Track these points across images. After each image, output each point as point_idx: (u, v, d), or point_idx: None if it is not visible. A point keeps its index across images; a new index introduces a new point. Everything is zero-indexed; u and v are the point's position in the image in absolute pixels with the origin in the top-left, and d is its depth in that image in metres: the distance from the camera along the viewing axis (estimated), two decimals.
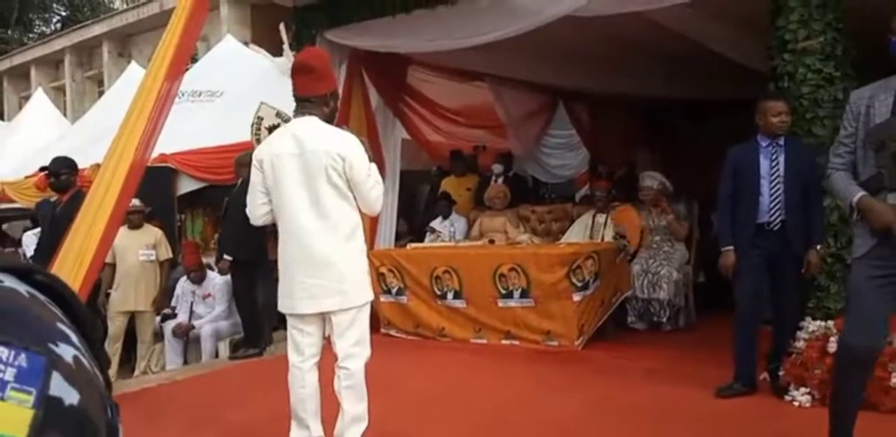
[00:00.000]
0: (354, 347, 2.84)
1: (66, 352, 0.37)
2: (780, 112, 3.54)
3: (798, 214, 3.51)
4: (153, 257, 5.90)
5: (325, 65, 2.98)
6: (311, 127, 2.84)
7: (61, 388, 0.36)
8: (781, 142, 3.59)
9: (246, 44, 8.88)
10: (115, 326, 5.70)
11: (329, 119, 2.92)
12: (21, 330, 0.36)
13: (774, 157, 3.57)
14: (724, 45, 5.01)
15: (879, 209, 2.42)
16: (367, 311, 2.91)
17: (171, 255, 6.10)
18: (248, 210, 2.98)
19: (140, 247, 5.84)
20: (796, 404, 3.37)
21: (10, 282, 0.39)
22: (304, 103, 2.91)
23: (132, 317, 5.88)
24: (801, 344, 3.47)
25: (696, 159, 9.08)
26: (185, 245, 6.58)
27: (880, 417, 3.05)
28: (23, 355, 0.35)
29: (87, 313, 0.43)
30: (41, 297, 0.40)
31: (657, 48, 5.55)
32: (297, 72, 2.94)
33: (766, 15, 3.92)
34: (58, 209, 4.79)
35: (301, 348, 2.88)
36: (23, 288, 0.39)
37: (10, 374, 0.34)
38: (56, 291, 0.41)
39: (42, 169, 4.94)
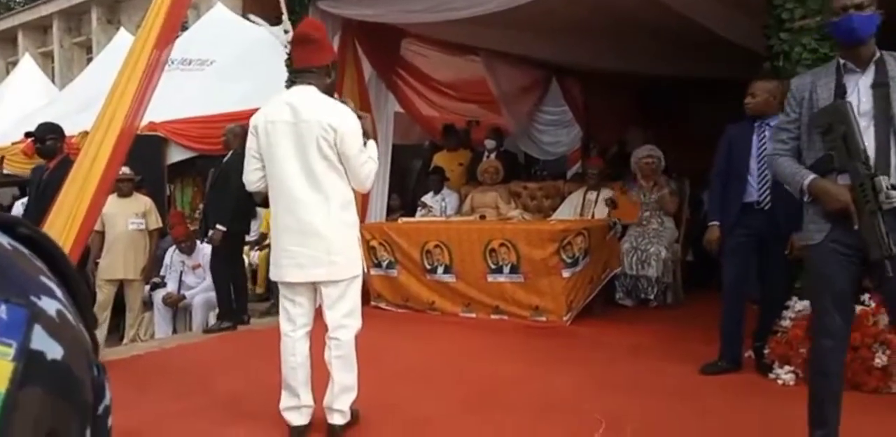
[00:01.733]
0: (345, 318, 2.86)
1: (50, 306, 0.36)
2: (748, 92, 3.58)
3: (786, 195, 3.51)
4: (143, 226, 5.87)
5: (324, 36, 2.97)
6: (309, 97, 2.82)
7: (43, 342, 0.34)
8: (773, 123, 3.58)
9: (245, 16, 8.74)
10: (104, 294, 5.69)
11: (328, 91, 2.91)
12: (1, 282, 0.34)
13: (763, 137, 3.58)
14: (720, 22, 4.97)
15: (835, 191, 2.38)
16: (358, 283, 2.92)
17: (160, 224, 6.08)
18: (243, 176, 2.96)
19: (129, 215, 5.81)
20: (780, 382, 3.42)
21: None
22: (304, 74, 2.89)
23: (121, 285, 5.87)
24: (786, 323, 3.51)
25: (688, 138, 9.13)
26: (171, 215, 6.55)
27: (863, 397, 3.10)
28: (3, 307, 0.34)
29: (72, 270, 0.42)
30: (24, 250, 0.38)
31: (653, 25, 5.51)
32: (297, 43, 2.93)
33: None
34: (44, 175, 4.74)
35: (293, 318, 2.90)
36: (5, 240, 0.38)
37: None
38: (41, 245, 0.40)
39: (27, 135, 4.86)
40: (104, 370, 0.40)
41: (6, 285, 0.35)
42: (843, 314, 2.46)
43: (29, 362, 0.33)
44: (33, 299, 0.35)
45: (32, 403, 0.33)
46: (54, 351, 0.35)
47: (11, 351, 0.33)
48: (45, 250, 0.40)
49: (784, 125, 2.62)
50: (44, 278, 0.38)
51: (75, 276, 0.41)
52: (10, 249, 0.37)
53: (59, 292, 0.38)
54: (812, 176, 2.44)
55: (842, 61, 2.50)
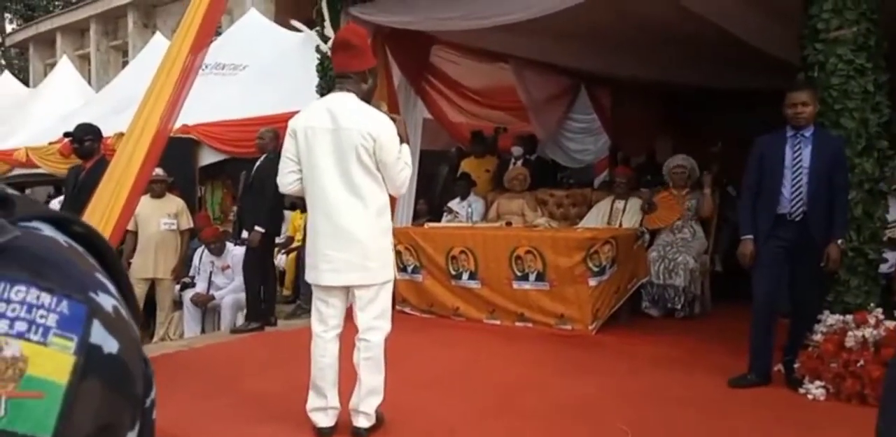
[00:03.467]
0: (376, 320, 2.89)
1: (106, 302, 0.37)
2: (795, 103, 3.51)
3: (820, 206, 3.47)
4: (174, 227, 5.96)
5: (365, 42, 2.99)
6: (347, 104, 2.86)
7: (101, 336, 0.36)
8: (808, 133, 3.55)
9: (278, 22, 8.86)
10: (136, 292, 5.77)
11: (367, 97, 2.94)
12: (62, 278, 0.36)
13: (798, 148, 3.54)
14: (753, 33, 4.93)
15: None
16: (390, 287, 2.96)
17: (192, 224, 6.18)
18: (278, 178, 3.01)
19: (162, 216, 5.90)
20: (810, 397, 3.36)
21: (49, 231, 0.38)
22: (343, 80, 2.93)
23: (152, 284, 5.97)
24: (818, 337, 3.46)
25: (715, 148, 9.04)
26: (198, 218, 6.64)
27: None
28: (64, 303, 0.35)
29: (122, 267, 0.43)
30: (79, 248, 0.40)
31: (684, 34, 5.48)
32: (337, 48, 2.96)
33: (798, 3, 3.86)
34: (81, 176, 4.83)
35: (325, 319, 2.93)
36: (61, 238, 0.39)
37: (52, 320, 0.34)
38: (93, 243, 0.41)
39: (66, 135, 4.96)
40: (150, 364, 0.42)
41: (67, 281, 0.36)
42: None
43: (89, 355, 0.35)
44: (91, 295, 0.36)
45: (92, 395, 0.34)
46: (111, 345, 0.36)
47: (73, 345, 0.34)
48: (98, 247, 0.41)
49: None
50: (99, 275, 0.39)
51: (125, 273, 0.43)
52: (67, 246, 0.38)
53: (112, 289, 0.39)
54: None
55: None
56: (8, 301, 0.33)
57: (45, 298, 0.34)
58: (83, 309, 0.35)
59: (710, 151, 6.43)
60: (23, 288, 0.34)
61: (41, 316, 0.34)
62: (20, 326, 0.33)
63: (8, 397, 0.32)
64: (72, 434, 0.33)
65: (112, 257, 0.42)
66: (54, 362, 0.33)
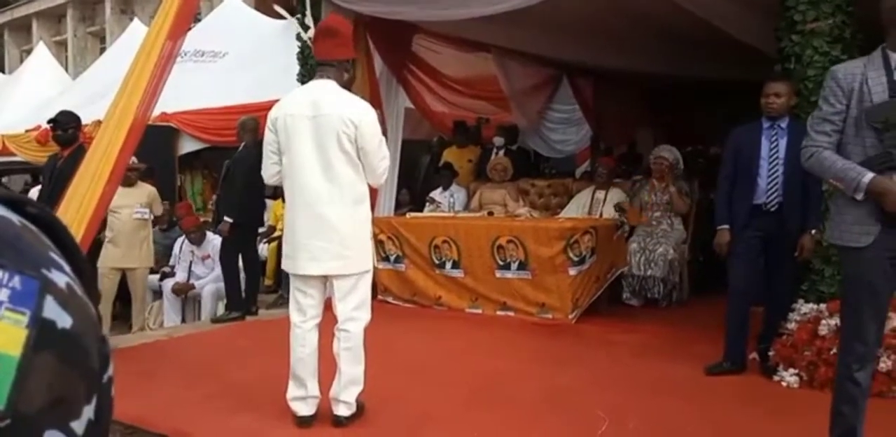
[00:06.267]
0: (355, 311, 2.89)
1: (59, 278, 0.38)
2: (769, 93, 3.53)
3: (795, 196, 3.52)
4: (147, 215, 5.86)
5: (348, 32, 3.00)
6: (328, 90, 2.85)
7: (54, 311, 0.36)
8: (784, 124, 3.59)
9: (258, 9, 8.76)
10: (109, 281, 5.69)
11: (346, 87, 2.93)
12: (15, 255, 0.36)
13: (775, 139, 3.58)
14: (732, 24, 4.95)
15: None
16: (369, 277, 2.96)
17: (161, 211, 6.10)
18: (262, 170, 3.00)
19: (134, 205, 5.81)
20: (784, 384, 3.43)
21: (2, 211, 0.39)
22: (324, 67, 2.92)
23: (124, 274, 5.89)
24: (792, 326, 3.52)
25: (697, 140, 9.13)
26: (179, 207, 6.57)
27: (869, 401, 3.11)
28: (17, 278, 0.35)
29: (77, 247, 0.43)
30: (33, 227, 0.40)
31: (664, 25, 5.50)
32: (320, 36, 2.96)
33: None
34: (58, 163, 4.78)
35: (303, 309, 2.93)
36: (15, 218, 0.39)
37: (4, 294, 0.35)
38: (47, 223, 0.42)
39: (51, 121, 4.89)
40: (107, 343, 0.42)
41: (19, 258, 0.36)
42: (880, 323, 2.39)
43: (41, 329, 0.35)
44: (44, 271, 0.37)
45: (45, 368, 0.35)
46: (64, 320, 0.37)
47: (25, 319, 0.35)
48: (52, 228, 0.42)
49: (828, 116, 2.42)
50: (52, 254, 0.39)
51: (80, 253, 0.43)
52: (20, 225, 0.39)
53: (66, 267, 0.40)
54: (871, 174, 2.29)
55: (892, 54, 2.37)
56: None
57: None
58: (35, 284, 0.36)
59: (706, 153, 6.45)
60: None
61: None
62: None
63: None
64: (25, 405, 0.34)
65: (67, 237, 0.42)
66: (7, 335, 0.34)
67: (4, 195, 0.40)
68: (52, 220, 0.42)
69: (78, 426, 0.37)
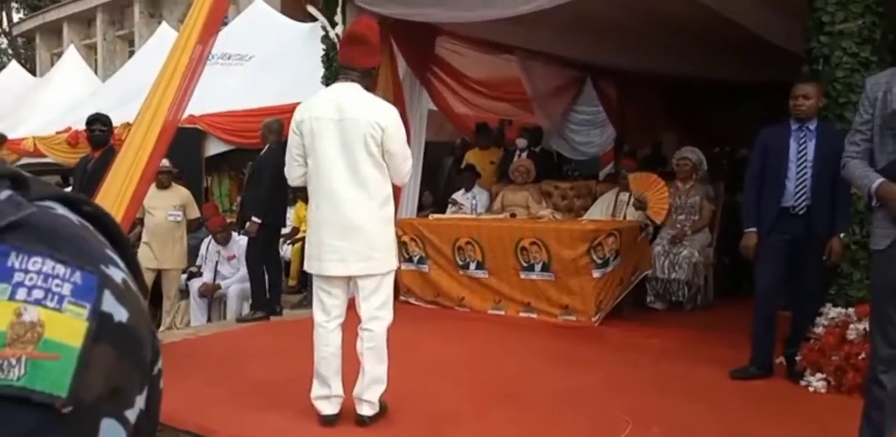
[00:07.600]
0: (378, 310, 2.91)
1: (116, 274, 0.40)
2: (797, 95, 3.50)
3: (824, 199, 3.47)
4: (180, 218, 5.98)
5: (377, 40, 3.02)
6: (353, 94, 2.88)
7: (112, 305, 0.38)
8: (812, 126, 3.54)
9: (283, 12, 8.84)
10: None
11: (368, 89, 2.96)
12: (75, 251, 0.38)
13: (803, 141, 3.54)
14: (760, 25, 4.91)
15: None
16: (392, 277, 2.99)
17: (198, 214, 6.21)
18: (285, 171, 3.03)
19: (168, 207, 5.92)
20: (811, 389, 3.39)
21: (61, 210, 0.41)
22: (348, 71, 2.94)
23: (158, 275, 6.00)
24: (820, 330, 3.47)
25: (723, 141, 9.04)
26: (206, 207, 6.67)
27: None
28: (78, 273, 0.37)
29: (129, 245, 0.46)
30: (89, 226, 0.42)
31: (691, 26, 5.46)
32: (349, 42, 2.97)
33: None
34: (90, 165, 4.87)
35: (327, 309, 2.96)
36: (73, 216, 0.42)
37: (66, 289, 0.36)
38: (102, 221, 0.44)
39: (92, 119, 4.99)
40: (157, 336, 0.44)
41: (80, 254, 0.38)
42: None
43: (100, 322, 0.37)
44: (102, 267, 0.39)
45: (104, 358, 0.37)
46: (121, 314, 0.38)
47: (86, 312, 0.37)
48: (106, 226, 0.44)
49: (858, 127, 2.56)
50: (108, 251, 0.42)
51: (132, 251, 0.46)
52: (79, 224, 0.41)
53: (121, 264, 0.42)
54: (880, 180, 2.38)
55: None
56: (26, 271, 0.36)
57: (60, 269, 0.37)
58: (95, 279, 0.38)
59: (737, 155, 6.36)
60: (39, 259, 0.37)
61: (56, 285, 0.36)
62: (37, 294, 0.36)
63: (28, 357, 0.34)
64: (85, 394, 0.36)
65: (120, 235, 0.45)
66: (69, 327, 0.36)
67: (63, 195, 0.42)
68: (106, 218, 0.44)
69: (131, 414, 0.39)
